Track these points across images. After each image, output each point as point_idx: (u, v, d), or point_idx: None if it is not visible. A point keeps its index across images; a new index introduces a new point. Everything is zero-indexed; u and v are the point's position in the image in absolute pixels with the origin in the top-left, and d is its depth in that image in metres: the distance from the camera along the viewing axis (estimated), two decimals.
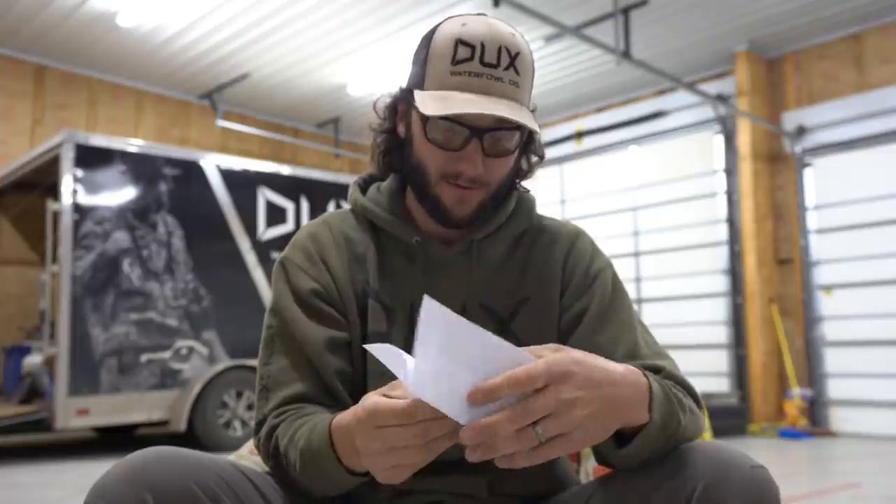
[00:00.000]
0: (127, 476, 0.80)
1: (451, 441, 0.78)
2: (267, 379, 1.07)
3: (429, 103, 0.99)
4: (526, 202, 1.18)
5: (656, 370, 0.97)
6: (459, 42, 1.00)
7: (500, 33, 1.02)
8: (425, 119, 1.02)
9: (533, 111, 1.09)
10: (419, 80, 1.04)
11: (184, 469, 0.82)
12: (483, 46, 1.00)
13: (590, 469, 1.30)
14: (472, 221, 1.07)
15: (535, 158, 1.17)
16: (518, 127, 1.02)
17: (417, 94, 1.03)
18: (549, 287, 1.12)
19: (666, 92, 8.70)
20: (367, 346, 0.79)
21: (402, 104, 1.10)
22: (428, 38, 1.05)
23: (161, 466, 0.81)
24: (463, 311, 1.08)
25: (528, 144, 1.15)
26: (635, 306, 1.28)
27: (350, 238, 1.14)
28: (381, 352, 0.80)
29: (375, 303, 1.10)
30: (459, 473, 1.03)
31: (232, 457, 1.30)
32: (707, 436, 6.25)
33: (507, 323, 1.10)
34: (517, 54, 1.02)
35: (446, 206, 1.05)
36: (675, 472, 0.84)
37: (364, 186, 1.20)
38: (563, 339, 1.10)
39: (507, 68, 1.01)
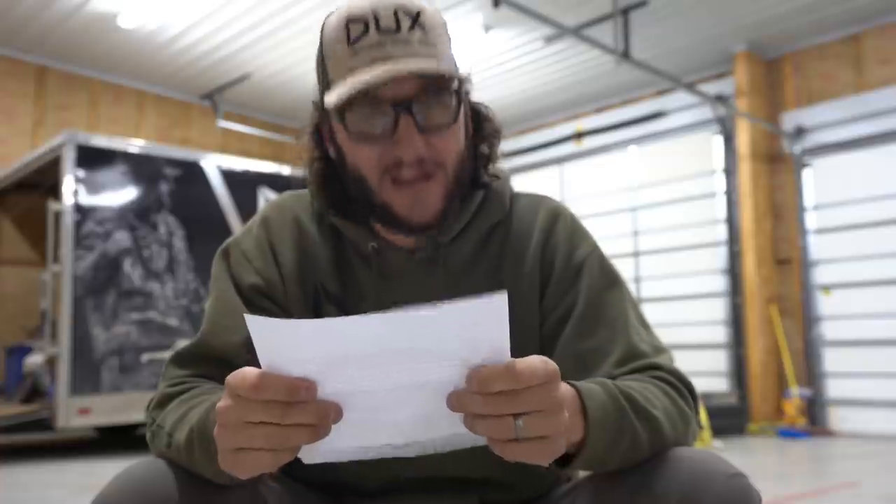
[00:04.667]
0: (127, 489, 0.77)
1: (314, 435, 0.66)
2: (180, 355, 0.95)
3: (333, 96, 0.88)
4: (496, 194, 1.03)
5: (653, 368, 0.91)
6: (349, 21, 0.89)
7: None
8: (342, 117, 0.90)
9: (467, 80, 0.96)
10: (325, 82, 0.93)
11: (185, 482, 0.79)
12: (376, 15, 0.88)
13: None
14: (440, 221, 0.94)
15: (493, 140, 1.02)
16: (446, 88, 0.90)
17: (326, 96, 0.91)
18: (526, 289, 0.99)
19: (665, 92, 8.72)
20: (248, 317, 0.64)
21: (324, 125, 0.97)
22: (320, 36, 0.94)
23: (163, 479, 0.79)
24: None
25: (480, 124, 1.01)
26: (630, 287, 1.14)
27: (304, 229, 1.02)
28: (262, 328, 0.64)
29: (335, 308, 0.99)
30: (450, 492, 0.97)
31: None
32: (706, 435, 6.27)
33: None
34: (419, 13, 0.90)
35: (401, 214, 0.92)
36: (653, 482, 0.79)
37: (321, 210, 1.06)
38: (547, 347, 0.97)
39: (411, 29, 0.88)
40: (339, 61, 0.90)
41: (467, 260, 1.00)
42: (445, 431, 0.72)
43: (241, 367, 0.91)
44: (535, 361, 0.66)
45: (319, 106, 0.96)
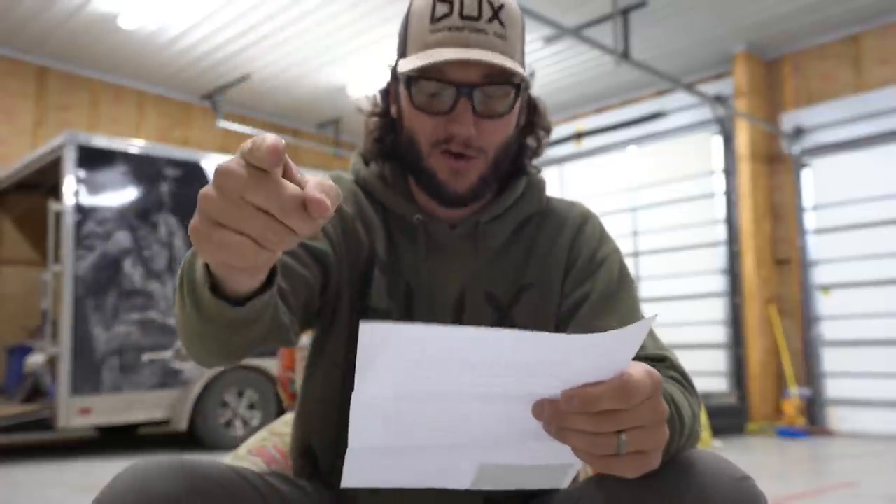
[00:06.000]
0: (132, 488, 0.76)
1: (294, 226, 0.57)
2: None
3: (407, 65, 0.96)
4: (536, 185, 1.10)
5: (660, 359, 0.94)
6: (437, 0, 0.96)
7: None
8: (409, 85, 0.97)
9: (531, 76, 1.04)
10: (402, 48, 1.01)
11: (188, 481, 0.79)
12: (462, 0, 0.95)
13: (590, 469, 1.25)
14: (472, 197, 1.01)
15: (541, 133, 1.10)
16: (508, 82, 0.96)
17: (400, 62, 0.99)
18: (552, 273, 1.06)
19: (665, 93, 8.73)
20: (363, 324, 0.60)
21: (392, 84, 1.06)
22: (408, 6, 1.02)
23: (165, 479, 0.77)
24: (462, 296, 1.03)
25: (532, 117, 1.09)
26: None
27: (360, 199, 1.08)
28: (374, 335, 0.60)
29: (382, 276, 1.03)
30: (454, 491, 0.97)
31: (230, 457, 1.25)
32: (706, 435, 6.28)
33: (507, 310, 1.03)
34: (501, 6, 0.96)
35: (441, 180, 0.99)
36: (662, 485, 0.78)
37: (367, 158, 1.11)
38: (562, 325, 1.03)
39: (490, 20, 0.95)
40: (418, 35, 0.97)
41: (503, 242, 1.07)
42: (515, 442, 0.71)
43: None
44: (643, 376, 0.65)
45: (393, 69, 1.04)
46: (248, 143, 0.57)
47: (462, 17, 0.95)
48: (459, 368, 0.63)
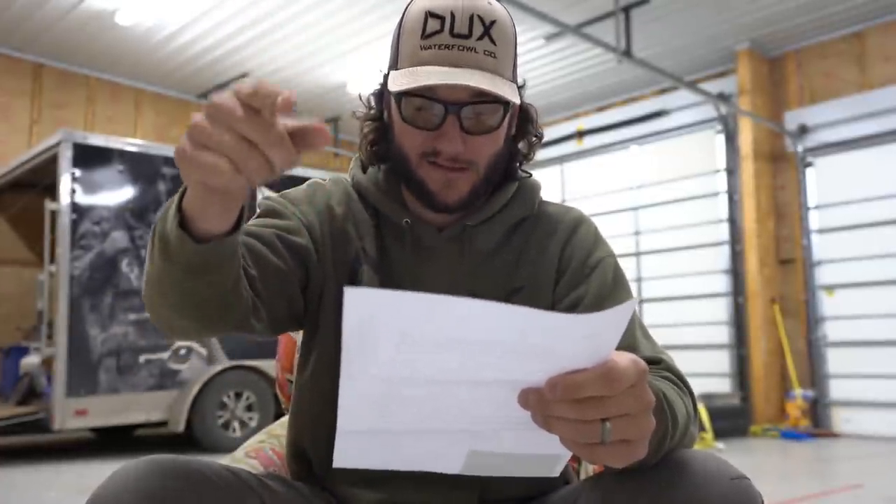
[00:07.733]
0: (127, 487, 0.76)
1: (278, 157, 0.63)
2: None
3: (396, 80, 0.96)
4: (527, 188, 1.11)
5: (655, 361, 0.93)
6: (429, 14, 0.96)
7: (474, 2, 0.96)
8: (399, 98, 0.97)
9: (521, 87, 1.03)
10: (394, 60, 1.02)
11: (184, 479, 0.79)
12: (453, 16, 0.95)
13: (590, 469, 1.24)
14: (464, 207, 1.01)
15: (533, 139, 1.09)
16: (497, 100, 0.95)
17: (391, 74, 1.00)
18: (542, 276, 1.06)
19: (667, 91, 8.68)
20: (347, 290, 0.58)
21: (385, 90, 1.05)
22: (401, 16, 1.02)
23: (161, 477, 0.78)
24: None
25: (524, 124, 1.08)
26: (632, 287, 1.17)
27: (353, 199, 1.10)
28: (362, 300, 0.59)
29: (372, 272, 1.04)
30: (449, 486, 0.97)
31: (227, 459, 1.25)
32: (708, 437, 6.24)
33: None
34: (493, 23, 0.97)
35: (432, 190, 1.00)
36: (657, 485, 0.78)
37: (365, 163, 1.13)
38: None
39: (480, 38, 0.95)
40: (409, 48, 0.97)
41: (492, 246, 1.07)
42: (504, 432, 0.71)
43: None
44: (628, 363, 0.64)
45: (386, 74, 1.04)
46: (247, 87, 0.62)
47: (452, 34, 0.95)
48: (447, 345, 0.62)
